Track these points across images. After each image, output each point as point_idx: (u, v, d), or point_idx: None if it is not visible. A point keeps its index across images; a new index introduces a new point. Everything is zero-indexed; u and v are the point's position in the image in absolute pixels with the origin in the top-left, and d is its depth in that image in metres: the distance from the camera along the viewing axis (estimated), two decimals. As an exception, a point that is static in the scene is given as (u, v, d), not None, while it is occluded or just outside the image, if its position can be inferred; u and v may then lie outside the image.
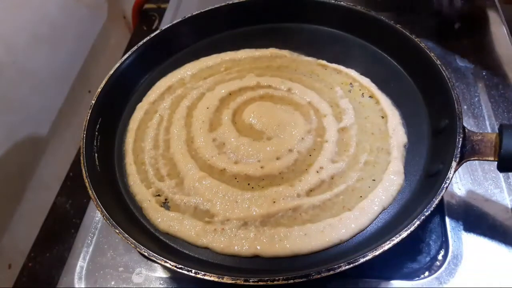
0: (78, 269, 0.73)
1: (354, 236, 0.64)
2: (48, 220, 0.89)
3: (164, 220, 0.68)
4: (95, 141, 0.75)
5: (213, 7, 0.93)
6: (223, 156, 0.74)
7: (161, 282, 0.70)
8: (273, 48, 0.91)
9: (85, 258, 0.74)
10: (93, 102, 0.77)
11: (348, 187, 0.69)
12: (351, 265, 0.54)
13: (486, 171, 0.76)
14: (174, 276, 0.70)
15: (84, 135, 0.73)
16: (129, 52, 0.86)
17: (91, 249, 0.75)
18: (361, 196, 0.68)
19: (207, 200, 0.68)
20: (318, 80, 0.86)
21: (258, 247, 0.63)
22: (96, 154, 0.74)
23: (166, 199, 0.71)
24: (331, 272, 0.54)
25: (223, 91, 0.84)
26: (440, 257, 0.68)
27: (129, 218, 0.69)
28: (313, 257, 0.63)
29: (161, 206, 0.70)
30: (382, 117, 0.78)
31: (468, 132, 0.65)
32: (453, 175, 0.60)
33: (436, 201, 0.58)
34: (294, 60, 0.90)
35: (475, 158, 0.64)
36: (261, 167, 0.71)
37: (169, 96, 0.86)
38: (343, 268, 0.54)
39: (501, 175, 0.75)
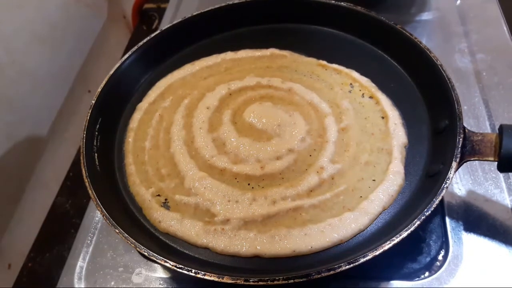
0: (78, 269, 0.73)
1: (354, 236, 0.64)
2: (48, 220, 0.88)
3: (164, 220, 0.68)
4: (95, 141, 0.75)
5: (213, 8, 0.93)
6: (223, 156, 0.74)
7: (161, 282, 0.70)
8: (273, 48, 0.91)
9: (85, 258, 0.74)
10: (93, 102, 0.77)
11: (348, 187, 0.69)
12: (351, 265, 0.54)
13: (486, 171, 0.76)
14: (174, 276, 0.70)
15: (84, 135, 0.73)
16: (129, 52, 0.86)
17: (91, 249, 0.75)
18: (361, 196, 0.68)
19: (207, 200, 0.68)
20: (319, 80, 0.86)
21: (258, 247, 0.63)
22: (96, 154, 0.74)
23: (166, 199, 0.71)
24: (331, 272, 0.54)
25: (223, 91, 0.84)
26: (440, 257, 0.68)
27: (129, 218, 0.69)
28: (313, 257, 0.63)
29: (161, 206, 0.70)
30: (382, 118, 0.78)
31: (468, 132, 0.65)
32: (453, 175, 0.61)
33: (437, 201, 0.58)
34: (295, 60, 0.90)
35: (475, 158, 0.64)
36: (261, 167, 0.71)
37: (169, 96, 0.86)
38: (343, 268, 0.54)
39: (501, 175, 0.75)
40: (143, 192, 0.72)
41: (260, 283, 0.54)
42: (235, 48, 0.93)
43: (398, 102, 0.79)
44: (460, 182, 0.75)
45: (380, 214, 0.66)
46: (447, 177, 0.60)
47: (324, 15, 0.92)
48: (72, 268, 0.73)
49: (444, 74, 0.72)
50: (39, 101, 0.99)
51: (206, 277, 0.55)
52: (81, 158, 0.69)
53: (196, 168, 0.73)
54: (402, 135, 0.74)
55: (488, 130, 0.82)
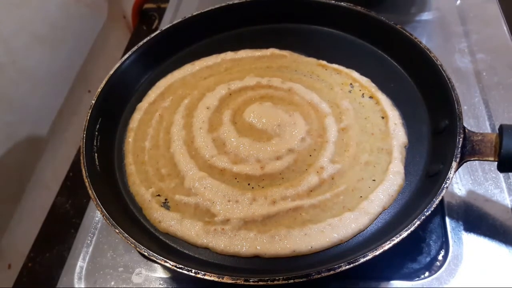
0: (78, 269, 0.73)
1: (354, 236, 0.64)
2: (48, 220, 0.89)
3: (164, 220, 0.68)
4: (95, 141, 0.75)
5: (213, 8, 0.93)
6: (223, 156, 0.74)
7: (161, 282, 0.70)
8: (273, 48, 0.91)
9: (85, 258, 0.74)
10: (93, 102, 0.77)
11: (348, 187, 0.69)
12: (351, 265, 0.54)
13: (486, 171, 0.76)
14: (174, 276, 0.70)
15: (84, 135, 0.73)
16: (129, 52, 0.86)
17: (91, 249, 0.75)
18: (361, 196, 0.68)
19: (207, 200, 0.68)
20: (319, 80, 0.86)
21: (258, 247, 0.63)
22: (96, 154, 0.74)
23: (166, 199, 0.71)
24: (331, 272, 0.54)
25: (223, 91, 0.84)
26: (440, 257, 0.68)
27: (129, 218, 0.69)
28: (313, 257, 0.63)
29: (161, 206, 0.70)
30: (382, 118, 0.78)
31: (468, 132, 0.65)
32: (453, 175, 0.61)
33: (437, 201, 0.58)
34: (295, 60, 0.90)
35: (475, 158, 0.64)
36: (261, 167, 0.71)
37: (169, 96, 0.86)
38: (343, 268, 0.54)
39: (501, 175, 0.75)
40: (143, 192, 0.72)
41: (260, 283, 0.54)
42: (235, 48, 0.93)
43: (398, 102, 0.79)
44: (460, 182, 0.75)
45: (380, 214, 0.66)
46: (447, 177, 0.60)
47: (324, 15, 0.92)
48: (72, 268, 0.73)
49: (444, 74, 0.72)
50: (39, 101, 0.99)
51: (206, 277, 0.55)
52: (81, 158, 0.69)
53: (196, 168, 0.73)
54: (402, 135, 0.74)
55: (488, 130, 0.82)
